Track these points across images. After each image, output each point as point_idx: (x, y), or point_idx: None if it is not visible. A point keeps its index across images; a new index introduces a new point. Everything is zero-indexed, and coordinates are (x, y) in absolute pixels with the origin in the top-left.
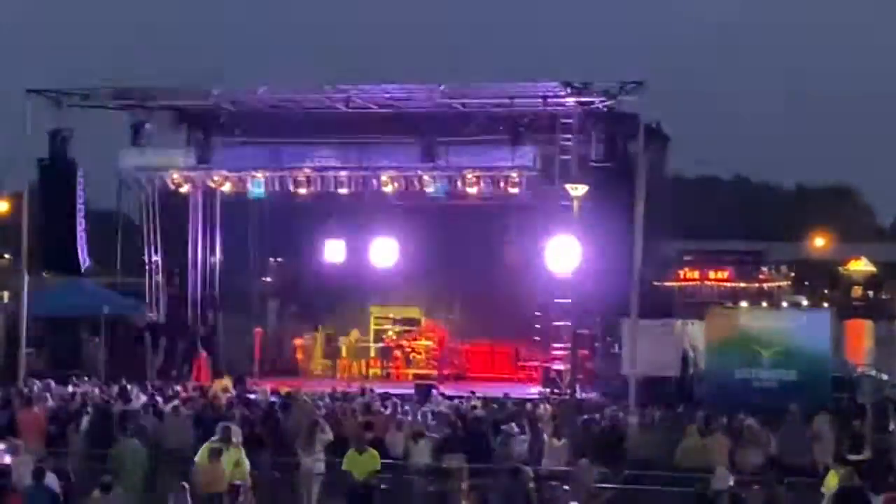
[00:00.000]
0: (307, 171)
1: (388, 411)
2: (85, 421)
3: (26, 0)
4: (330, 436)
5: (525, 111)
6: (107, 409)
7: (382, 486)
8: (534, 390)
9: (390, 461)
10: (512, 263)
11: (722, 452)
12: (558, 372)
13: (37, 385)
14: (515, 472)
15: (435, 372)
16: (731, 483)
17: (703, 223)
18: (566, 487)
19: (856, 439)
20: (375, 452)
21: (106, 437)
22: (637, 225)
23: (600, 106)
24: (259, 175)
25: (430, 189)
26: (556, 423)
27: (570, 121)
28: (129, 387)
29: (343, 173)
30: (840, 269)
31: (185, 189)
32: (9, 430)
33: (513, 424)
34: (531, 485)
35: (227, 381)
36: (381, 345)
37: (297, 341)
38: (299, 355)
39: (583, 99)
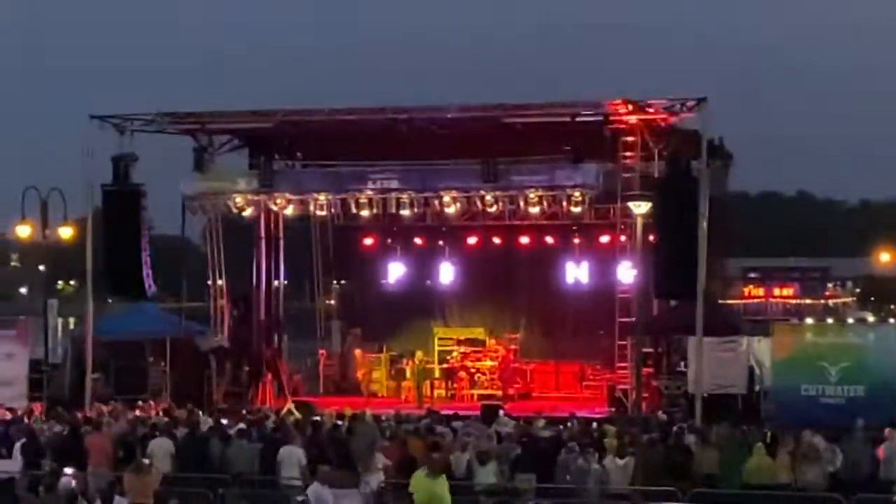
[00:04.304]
0: (369, 193)
1: (452, 433)
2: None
3: (89, 26)
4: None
5: (587, 129)
6: (193, 430)
7: None
8: (599, 410)
9: (455, 482)
10: (575, 282)
11: (788, 470)
12: (623, 391)
13: (104, 409)
14: None
15: (500, 392)
16: None
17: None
18: None
19: None
20: (445, 477)
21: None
22: (701, 242)
23: (662, 123)
24: (322, 198)
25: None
26: (622, 442)
27: (632, 138)
28: (195, 410)
29: (405, 195)
30: None
31: (248, 213)
32: (76, 455)
33: (576, 444)
34: None
35: (291, 404)
36: (445, 366)
37: (362, 363)
38: (364, 377)
39: (645, 116)
